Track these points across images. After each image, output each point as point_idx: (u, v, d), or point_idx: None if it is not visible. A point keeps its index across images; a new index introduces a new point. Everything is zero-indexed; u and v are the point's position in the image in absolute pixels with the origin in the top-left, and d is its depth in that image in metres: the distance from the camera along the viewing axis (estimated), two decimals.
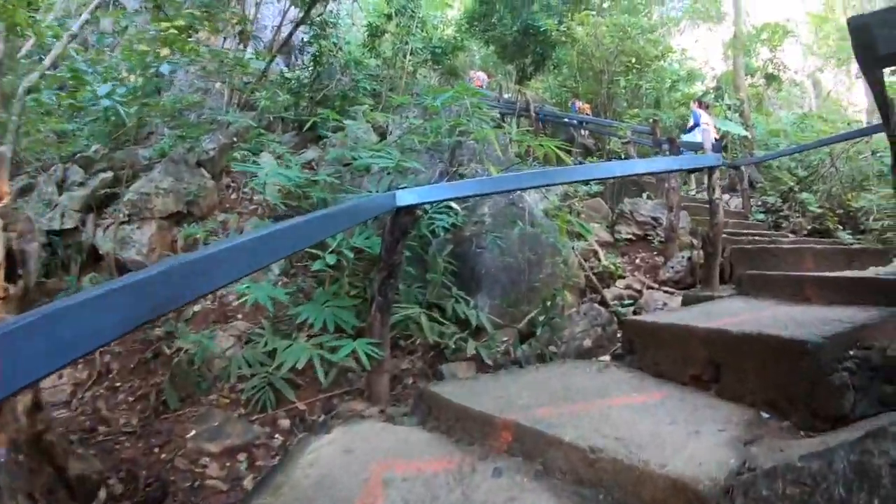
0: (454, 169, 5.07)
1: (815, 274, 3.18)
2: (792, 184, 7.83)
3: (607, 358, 3.30)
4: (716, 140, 9.95)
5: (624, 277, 5.43)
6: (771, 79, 13.03)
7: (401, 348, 3.91)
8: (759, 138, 11.00)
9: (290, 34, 8.92)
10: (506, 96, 15.27)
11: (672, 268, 5.27)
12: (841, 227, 6.97)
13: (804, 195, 7.40)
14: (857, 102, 15.78)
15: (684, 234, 6.02)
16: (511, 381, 2.44)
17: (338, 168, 5.30)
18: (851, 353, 1.78)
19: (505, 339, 4.02)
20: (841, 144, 7.55)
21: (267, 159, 5.60)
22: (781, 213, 7.73)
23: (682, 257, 5.27)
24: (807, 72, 15.37)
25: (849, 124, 11.23)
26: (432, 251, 4.39)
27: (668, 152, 8.13)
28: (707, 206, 4.36)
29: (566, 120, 11.70)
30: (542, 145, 4.30)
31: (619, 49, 11.54)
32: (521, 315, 4.27)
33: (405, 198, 2.60)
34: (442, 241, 4.46)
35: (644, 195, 7.56)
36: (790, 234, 6.95)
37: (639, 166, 4.95)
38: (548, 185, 5.14)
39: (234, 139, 6.54)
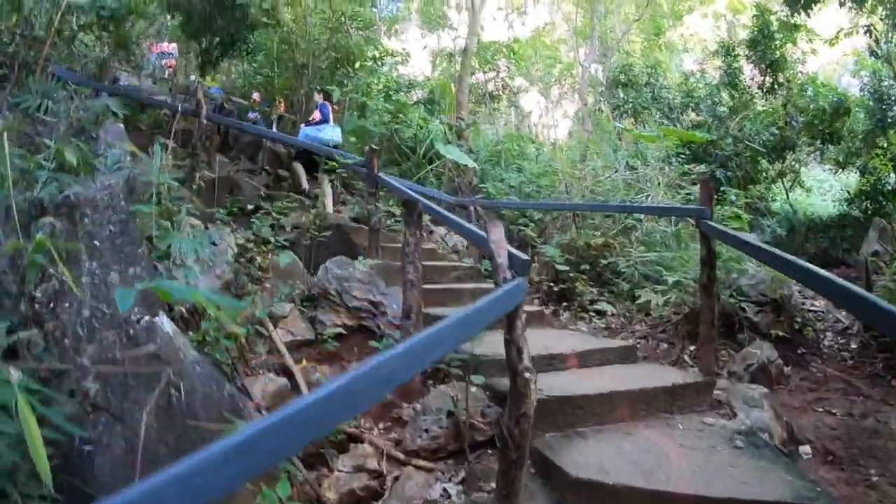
0: None
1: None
2: (533, 234, 6.57)
3: None
4: None
5: (360, 440, 3.16)
6: (492, 98, 12.45)
7: None
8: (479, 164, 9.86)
9: None
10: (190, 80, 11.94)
11: (424, 429, 3.15)
12: (592, 289, 5.89)
13: (547, 248, 6.15)
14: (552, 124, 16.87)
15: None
16: None
17: None
18: None
19: None
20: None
21: None
22: None
23: (439, 413, 3.16)
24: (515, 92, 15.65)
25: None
26: None
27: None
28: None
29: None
30: None
31: (329, 42, 9.38)
32: None
33: None
34: None
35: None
36: (536, 302, 5.67)
37: None
38: None
39: None
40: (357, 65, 10.36)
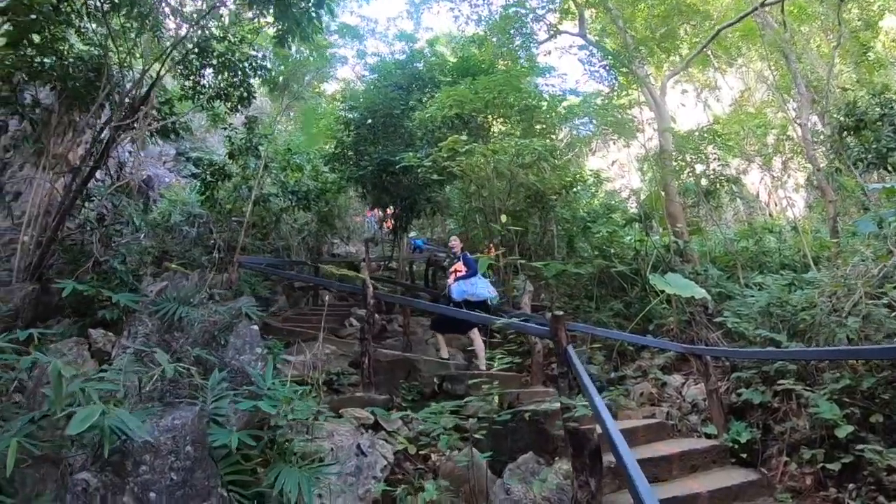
0: None
1: None
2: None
3: None
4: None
5: None
6: (708, 195, 10.95)
7: None
8: (711, 282, 8.21)
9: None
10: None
11: None
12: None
13: (819, 404, 4.62)
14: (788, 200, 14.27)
15: None
16: None
17: None
18: None
19: None
20: None
21: None
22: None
23: None
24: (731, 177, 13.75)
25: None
26: None
27: None
28: None
29: None
30: None
31: (514, 183, 9.13)
32: None
33: None
34: None
35: None
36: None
37: None
38: None
39: None
40: (554, 197, 9.65)
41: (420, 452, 5.14)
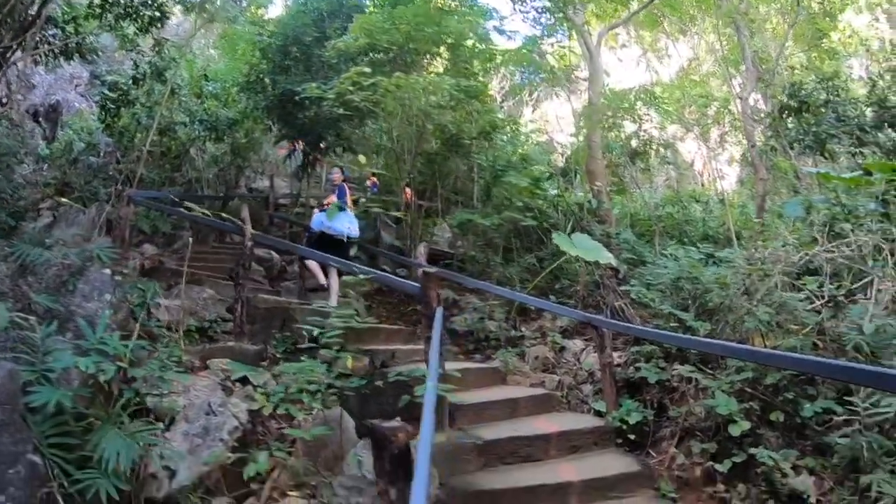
0: None
1: None
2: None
3: None
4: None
5: None
6: (636, 156, 10.51)
7: None
8: (625, 246, 7.54)
9: None
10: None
11: None
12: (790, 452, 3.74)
13: (718, 400, 4.14)
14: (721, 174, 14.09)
15: None
16: None
17: None
18: None
19: None
20: None
21: None
22: None
23: None
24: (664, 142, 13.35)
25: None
26: None
27: None
28: None
29: None
30: None
31: (426, 123, 8.39)
32: None
33: None
34: None
35: None
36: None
37: None
38: None
39: None
40: (469, 142, 9.06)
41: (285, 412, 4.42)
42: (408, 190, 9.35)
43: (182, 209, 6.73)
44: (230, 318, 6.01)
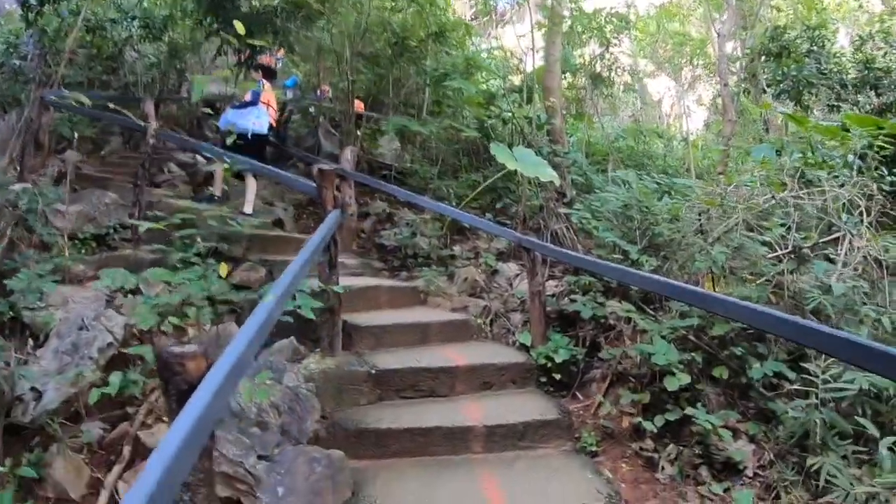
0: None
1: None
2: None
3: None
4: (275, 127, 6.98)
5: None
6: (597, 80, 9.76)
7: None
8: (575, 169, 6.96)
9: None
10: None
11: None
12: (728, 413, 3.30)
13: (656, 346, 3.61)
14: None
15: None
16: None
17: None
18: None
19: None
20: None
21: None
22: None
23: None
24: (635, 74, 12.53)
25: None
26: None
27: None
28: None
29: None
30: None
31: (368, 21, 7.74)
32: None
33: None
34: None
35: None
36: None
37: None
38: None
39: None
40: (415, 44, 8.37)
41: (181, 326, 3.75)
42: (358, 102, 8.91)
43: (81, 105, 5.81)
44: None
